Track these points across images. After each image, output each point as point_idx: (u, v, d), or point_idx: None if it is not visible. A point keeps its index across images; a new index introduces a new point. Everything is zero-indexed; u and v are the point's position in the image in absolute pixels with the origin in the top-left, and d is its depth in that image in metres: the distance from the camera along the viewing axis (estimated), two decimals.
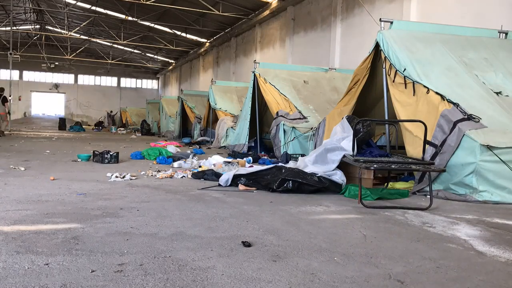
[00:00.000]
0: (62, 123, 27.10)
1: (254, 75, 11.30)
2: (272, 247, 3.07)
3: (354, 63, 9.08)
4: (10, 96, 23.79)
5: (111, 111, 39.40)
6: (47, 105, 46.23)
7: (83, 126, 29.66)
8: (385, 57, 6.62)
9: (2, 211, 3.98)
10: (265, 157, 9.74)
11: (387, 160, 5.40)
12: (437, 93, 5.87)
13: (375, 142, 7.69)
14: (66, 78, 46.72)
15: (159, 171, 7.24)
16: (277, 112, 10.17)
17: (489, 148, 5.04)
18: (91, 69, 46.27)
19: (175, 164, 8.18)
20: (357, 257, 2.91)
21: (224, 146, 13.39)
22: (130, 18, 26.34)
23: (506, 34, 7.60)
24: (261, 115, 11.86)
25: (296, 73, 11.59)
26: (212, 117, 15.90)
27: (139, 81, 49.90)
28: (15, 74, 40.84)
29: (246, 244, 3.07)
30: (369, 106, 8.13)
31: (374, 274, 2.60)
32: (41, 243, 3.01)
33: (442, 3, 11.02)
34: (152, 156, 9.26)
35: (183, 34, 29.16)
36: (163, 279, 2.41)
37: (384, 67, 6.70)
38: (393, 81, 6.47)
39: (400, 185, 5.99)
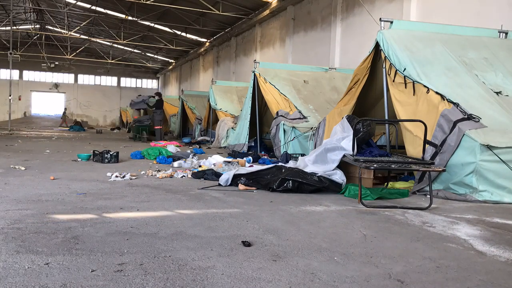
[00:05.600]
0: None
1: (254, 74, 11.30)
2: (272, 247, 3.07)
3: (354, 63, 9.09)
4: (10, 96, 23.81)
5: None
6: (47, 104, 46.20)
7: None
8: (385, 56, 6.62)
9: (2, 211, 3.98)
10: (265, 157, 9.74)
11: (387, 160, 5.40)
12: (437, 92, 5.87)
13: (375, 142, 7.69)
14: (66, 78, 46.68)
15: (159, 170, 7.24)
16: (277, 112, 10.17)
17: (489, 147, 5.04)
18: (91, 69, 46.24)
19: (175, 164, 8.18)
20: (357, 256, 2.91)
21: (225, 146, 13.39)
22: (130, 18, 26.33)
23: (506, 34, 7.60)
24: (261, 115, 11.85)
25: (296, 73, 11.59)
26: (212, 118, 15.89)
27: (139, 80, 49.88)
28: (15, 73, 40.83)
29: (246, 244, 3.07)
30: (369, 106, 8.13)
31: (374, 273, 2.60)
32: (41, 242, 3.01)
33: (442, 3, 11.01)
34: (152, 155, 9.26)
35: (183, 34, 29.14)
36: (163, 279, 2.41)
37: (384, 66, 6.70)
38: (393, 80, 6.46)
39: (400, 185, 5.99)
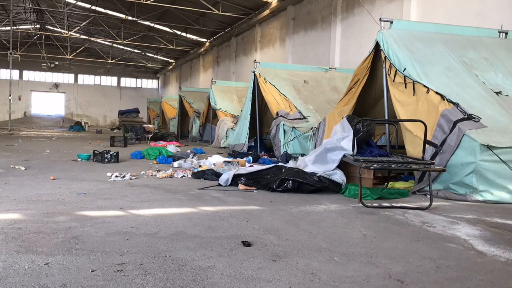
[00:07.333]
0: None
1: (254, 74, 11.30)
2: (272, 247, 3.07)
3: (354, 63, 9.08)
4: (10, 96, 23.81)
5: None
6: (47, 104, 46.17)
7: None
8: (385, 56, 6.62)
9: (2, 211, 3.98)
10: (265, 157, 9.74)
11: (387, 160, 5.40)
12: (437, 92, 5.87)
13: (375, 142, 7.69)
14: (66, 78, 46.64)
15: (159, 170, 7.24)
16: (277, 112, 10.17)
17: (489, 147, 5.04)
18: (91, 69, 46.20)
19: (175, 164, 8.18)
20: (357, 256, 2.91)
21: (224, 146, 13.40)
22: (130, 18, 26.31)
23: (506, 34, 7.60)
24: (261, 116, 11.85)
25: (296, 73, 11.59)
26: (212, 113, 15.91)
27: (139, 80, 49.83)
28: (15, 73, 40.78)
29: (246, 244, 3.07)
30: (369, 106, 8.13)
31: (374, 273, 2.60)
32: (41, 242, 3.01)
33: (442, 3, 11.01)
34: (152, 155, 9.26)
35: (183, 34, 29.13)
36: (163, 279, 2.41)
37: (384, 66, 6.69)
38: (393, 80, 6.46)
39: (400, 185, 5.99)
